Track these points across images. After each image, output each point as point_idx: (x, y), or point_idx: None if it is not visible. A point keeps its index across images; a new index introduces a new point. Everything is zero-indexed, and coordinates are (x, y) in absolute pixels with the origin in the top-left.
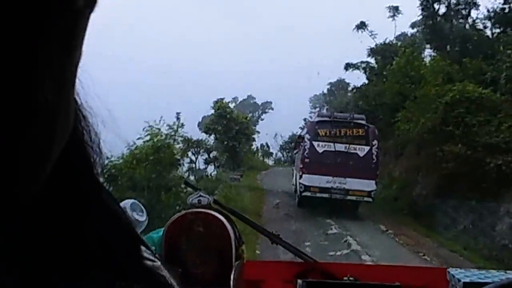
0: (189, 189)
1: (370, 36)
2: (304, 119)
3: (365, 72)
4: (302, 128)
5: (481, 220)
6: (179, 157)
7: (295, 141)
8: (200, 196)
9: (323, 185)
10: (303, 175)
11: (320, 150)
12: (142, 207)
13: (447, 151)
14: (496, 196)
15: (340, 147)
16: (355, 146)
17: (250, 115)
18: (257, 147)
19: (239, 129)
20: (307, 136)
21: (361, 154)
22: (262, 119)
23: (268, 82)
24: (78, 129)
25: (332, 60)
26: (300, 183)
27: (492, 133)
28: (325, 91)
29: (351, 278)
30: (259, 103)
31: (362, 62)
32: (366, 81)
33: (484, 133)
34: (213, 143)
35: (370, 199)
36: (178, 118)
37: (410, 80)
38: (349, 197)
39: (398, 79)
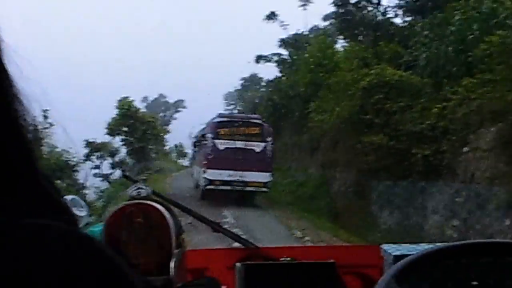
0: None
1: (281, 26)
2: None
3: (277, 65)
4: (204, 128)
5: (408, 219)
6: (73, 162)
7: (197, 140)
8: (139, 188)
9: (225, 179)
10: (207, 170)
11: (221, 147)
12: (83, 202)
13: (366, 143)
14: (423, 191)
15: (239, 144)
16: (252, 143)
17: (162, 114)
18: (171, 148)
19: (145, 129)
20: (209, 135)
21: (258, 149)
22: (175, 118)
23: (179, 80)
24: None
25: (245, 53)
26: (204, 178)
27: (416, 119)
28: (239, 87)
29: (287, 259)
30: (171, 101)
31: (274, 54)
32: (279, 74)
33: (407, 120)
34: (120, 145)
35: (266, 189)
36: (45, 117)
37: (324, 69)
38: (248, 188)
39: (310, 68)
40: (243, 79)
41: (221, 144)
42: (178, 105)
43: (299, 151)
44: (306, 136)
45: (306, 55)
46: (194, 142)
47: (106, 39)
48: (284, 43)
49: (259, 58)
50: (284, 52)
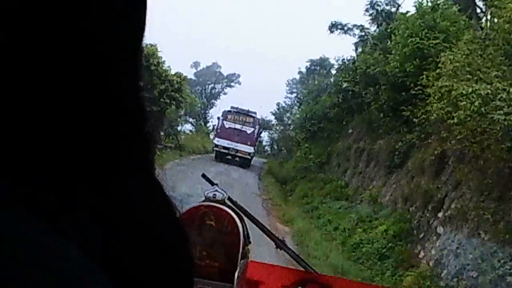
0: None
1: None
2: (278, 104)
3: (358, 40)
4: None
5: None
6: None
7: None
8: (216, 190)
9: (225, 145)
10: (215, 138)
11: (226, 126)
12: None
13: None
14: None
15: (237, 126)
16: (245, 127)
17: (211, 85)
18: (213, 126)
19: (165, 88)
20: (221, 117)
21: (249, 132)
22: (225, 93)
23: (239, 55)
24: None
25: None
26: (214, 143)
27: None
28: (303, 69)
29: None
30: (225, 74)
31: (354, 25)
32: (355, 55)
33: None
34: None
35: (249, 157)
36: None
37: (440, 35)
38: (238, 154)
39: (414, 32)
40: (310, 61)
41: (227, 124)
42: (232, 79)
43: (368, 163)
44: (389, 141)
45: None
46: (216, 123)
47: None
48: (372, 7)
49: (333, 27)
50: (368, 24)
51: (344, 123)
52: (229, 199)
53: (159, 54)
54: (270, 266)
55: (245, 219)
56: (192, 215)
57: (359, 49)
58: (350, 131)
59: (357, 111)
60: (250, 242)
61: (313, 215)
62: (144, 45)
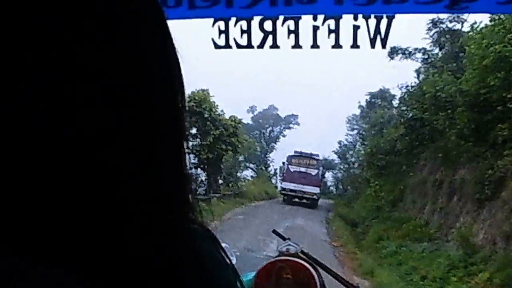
0: None
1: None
2: (339, 142)
3: (423, 62)
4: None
5: None
6: None
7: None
8: (289, 245)
9: (291, 188)
10: (282, 182)
11: (291, 170)
12: (231, 249)
13: None
14: None
15: (302, 169)
16: (309, 169)
17: (269, 129)
18: (274, 170)
19: (220, 133)
20: (286, 162)
21: (313, 173)
22: (284, 136)
23: (294, 94)
24: None
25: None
26: (280, 187)
27: None
28: (363, 104)
29: None
30: (282, 116)
31: (416, 49)
32: (418, 81)
33: None
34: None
35: (316, 198)
36: None
37: None
38: (305, 196)
39: (494, 40)
40: (370, 94)
41: (292, 168)
42: (290, 120)
43: (450, 197)
44: (474, 170)
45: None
46: (280, 167)
47: None
48: (435, 26)
49: (393, 53)
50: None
51: (414, 154)
52: (302, 252)
53: (212, 99)
54: None
55: (320, 270)
56: (268, 270)
57: (422, 76)
58: (422, 163)
59: (428, 140)
60: None
61: (392, 261)
62: (195, 90)
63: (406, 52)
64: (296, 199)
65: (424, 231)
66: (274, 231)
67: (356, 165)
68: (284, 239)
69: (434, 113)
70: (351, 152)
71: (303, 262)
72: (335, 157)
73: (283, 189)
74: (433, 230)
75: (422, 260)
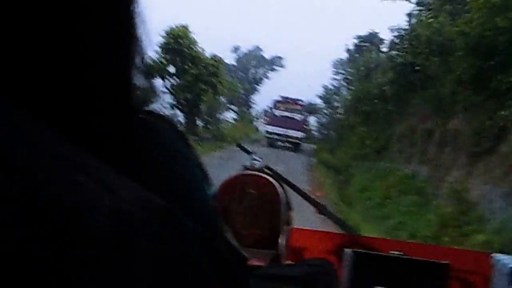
0: None
1: None
2: (324, 86)
3: (417, 3)
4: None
5: None
6: None
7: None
8: (254, 159)
9: (276, 132)
10: (267, 126)
11: (277, 114)
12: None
13: None
14: None
15: (287, 114)
16: (294, 114)
17: (253, 70)
18: (257, 113)
19: (199, 73)
20: (272, 106)
21: (298, 118)
22: (268, 78)
23: (280, 35)
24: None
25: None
26: (265, 130)
27: None
28: (351, 47)
29: (398, 252)
30: (267, 57)
31: None
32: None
33: None
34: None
35: (300, 141)
36: None
37: None
38: (289, 139)
39: None
40: (359, 37)
41: (277, 112)
42: (275, 62)
43: (441, 148)
44: (472, 120)
45: None
46: (265, 110)
47: None
48: None
49: None
50: None
51: (404, 101)
52: (267, 167)
53: (192, 36)
54: (313, 231)
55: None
56: (232, 184)
57: (413, 20)
58: (412, 110)
59: (419, 86)
60: (292, 209)
61: (377, 215)
62: (173, 26)
63: None
64: (280, 143)
65: (411, 184)
66: (239, 145)
67: (341, 110)
68: (249, 153)
69: (427, 58)
70: (336, 97)
71: (267, 177)
72: (319, 101)
73: (268, 132)
74: (421, 183)
75: (411, 216)
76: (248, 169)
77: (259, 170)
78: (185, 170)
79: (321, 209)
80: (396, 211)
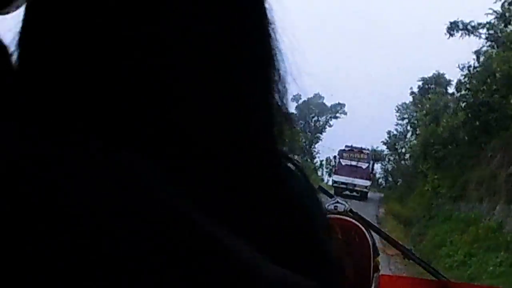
0: None
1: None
2: (388, 132)
3: (487, 39)
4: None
5: None
6: None
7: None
8: (337, 202)
9: (342, 181)
10: (333, 175)
11: (343, 163)
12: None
13: None
14: None
15: (353, 163)
16: (360, 163)
17: (315, 118)
18: (321, 162)
19: None
20: (337, 156)
21: (364, 167)
22: (330, 126)
23: (341, 81)
24: None
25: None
26: (332, 180)
27: None
28: (415, 90)
29: None
30: (328, 104)
31: (479, 24)
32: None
33: None
34: None
35: (366, 190)
36: None
37: None
38: (355, 188)
39: None
40: (422, 79)
41: (343, 162)
42: (337, 109)
43: None
44: None
45: None
46: (327, 158)
47: None
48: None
49: (453, 28)
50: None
51: (478, 145)
52: (351, 210)
53: None
54: (401, 277)
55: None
56: None
57: (482, 57)
58: (490, 154)
59: (496, 127)
60: (378, 254)
61: (461, 276)
62: None
63: (469, 26)
64: (347, 192)
65: (498, 237)
66: (320, 187)
67: (407, 156)
68: (331, 196)
69: (505, 96)
70: (401, 142)
71: (353, 220)
72: (384, 147)
73: (335, 181)
74: (509, 236)
75: (502, 278)
76: (332, 212)
77: (343, 213)
78: (318, 214)
79: (407, 253)
80: (484, 272)
